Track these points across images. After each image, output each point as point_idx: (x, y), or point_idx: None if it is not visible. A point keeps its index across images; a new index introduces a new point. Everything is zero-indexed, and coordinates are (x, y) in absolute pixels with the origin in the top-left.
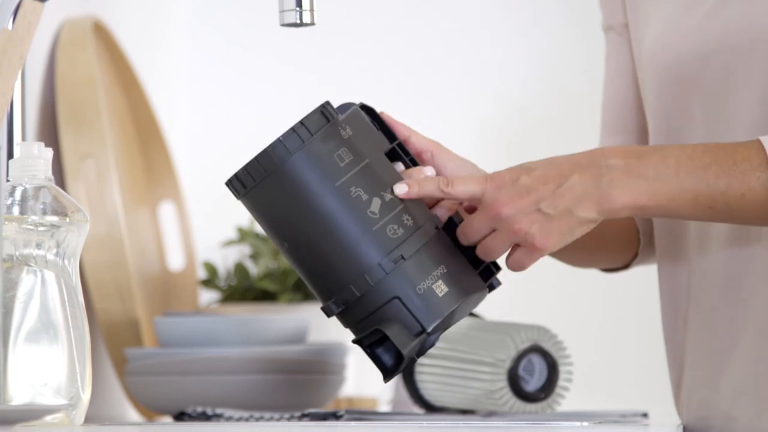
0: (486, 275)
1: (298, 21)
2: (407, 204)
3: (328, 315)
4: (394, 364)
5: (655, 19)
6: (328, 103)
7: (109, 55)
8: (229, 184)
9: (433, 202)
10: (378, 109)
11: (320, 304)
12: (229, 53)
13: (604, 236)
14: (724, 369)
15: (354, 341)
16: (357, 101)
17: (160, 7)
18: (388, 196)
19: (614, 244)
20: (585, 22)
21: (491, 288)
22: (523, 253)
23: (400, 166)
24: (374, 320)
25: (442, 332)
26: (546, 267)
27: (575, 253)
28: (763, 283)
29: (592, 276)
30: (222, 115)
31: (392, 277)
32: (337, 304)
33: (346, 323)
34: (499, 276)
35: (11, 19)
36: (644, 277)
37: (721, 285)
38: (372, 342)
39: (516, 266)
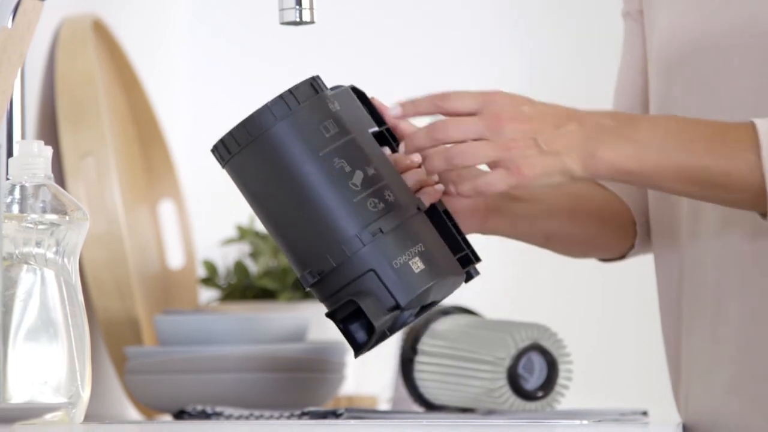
0: (464, 263)
1: (298, 19)
2: (391, 181)
3: (304, 286)
4: (366, 339)
5: (667, 10)
6: (318, 76)
7: (108, 53)
8: (215, 150)
9: (417, 187)
10: (369, 95)
11: (322, 310)
12: (228, 52)
13: (601, 225)
14: (715, 366)
15: (327, 315)
16: (347, 84)
17: (159, 6)
18: (371, 171)
19: (611, 233)
20: (579, 18)
21: (469, 277)
22: (501, 175)
23: (386, 151)
24: (349, 292)
25: (416, 311)
26: (546, 265)
27: (572, 243)
28: (748, 280)
29: (592, 274)
30: (222, 113)
31: (369, 249)
32: (312, 274)
33: (321, 295)
34: (497, 274)
35: (11, 18)
36: (643, 275)
37: (710, 280)
38: (345, 317)
39: (486, 186)
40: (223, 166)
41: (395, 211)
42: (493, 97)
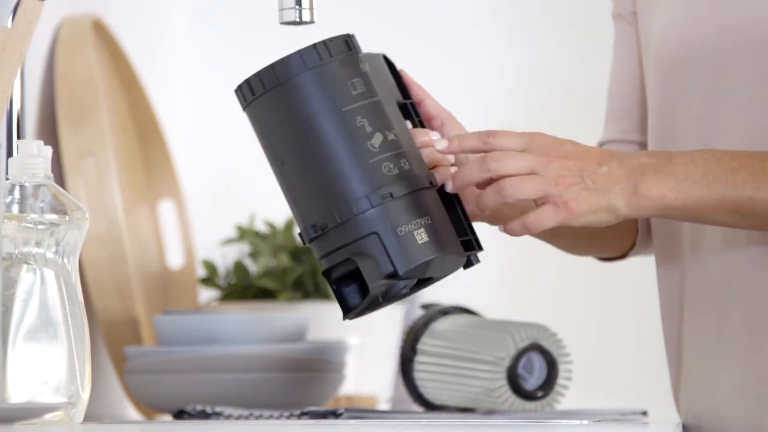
0: (467, 248)
1: (298, 19)
2: (408, 151)
3: (304, 240)
4: (358, 302)
5: (663, 9)
6: (352, 35)
7: (108, 53)
8: (238, 90)
9: (432, 165)
10: (398, 67)
11: (322, 309)
12: (228, 51)
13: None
14: (719, 368)
15: (323, 272)
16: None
17: (159, 5)
18: (390, 136)
19: (612, 233)
20: (579, 18)
21: (468, 263)
22: (550, 210)
23: (408, 125)
24: (349, 251)
25: (412, 284)
26: (545, 265)
27: (574, 241)
28: (754, 284)
29: (592, 274)
30: (222, 113)
31: (376, 211)
32: (315, 228)
33: (320, 250)
34: (497, 274)
35: (11, 17)
36: (643, 275)
37: (714, 284)
38: (339, 277)
39: (535, 222)
40: (244, 109)
41: (408, 180)
42: (538, 137)
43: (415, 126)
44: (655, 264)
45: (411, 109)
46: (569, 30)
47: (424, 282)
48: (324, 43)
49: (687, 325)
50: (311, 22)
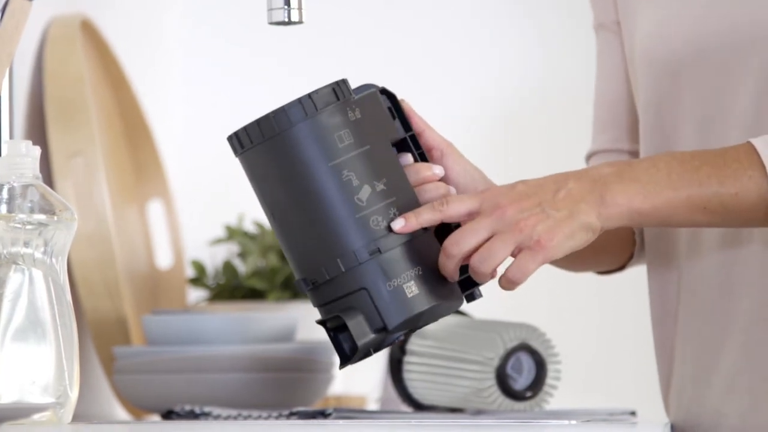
0: (468, 285)
1: (286, 19)
2: (400, 199)
3: (299, 290)
4: (351, 354)
5: (650, 12)
6: (344, 81)
7: (97, 52)
8: (230, 139)
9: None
10: (399, 97)
11: (311, 310)
12: (219, 51)
13: (602, 241)
14: (714, 366)
15: (318, 322)
16: (379, 85)
17: (149, 5)
18: (380, 187)
19: (612, 247)
20: (580, 19)
21: (472, 298)
22: (527, 256)
23: (408, 158)
24: (339, 306)
25: (406, 332)
26: None
27: (574, 260)
28: (752, 283)
29: (581, 275)
30: (211, 113)
31: (364, 267)
32: (306, 282)
33: (314, 301)
34: (484, 286)
35: None
36: (633, 275)
37: (712, 285)
38: (336, 326)
39: (518, 273)
40: (236, 156)
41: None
42: (487, 193)
43: (415, 159)
44: (647, 267)
45: (410, 143)
46: (566, 30)
47: (417, 327)
48: (309, 96)
49: (681, 323)
50: (300, 22)
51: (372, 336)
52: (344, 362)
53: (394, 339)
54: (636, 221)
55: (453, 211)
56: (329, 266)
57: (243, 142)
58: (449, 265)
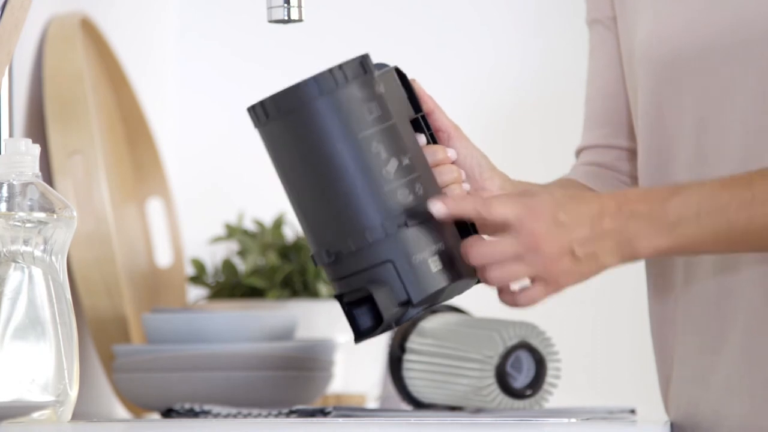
0: None
1: (286, 17)
2: (423, 175)
3: (317, 263)
4: (371, 327)
5: (650, 11)
6: (367, 55)
7: (97, 51)
8: (251, 110)
9: (447, 184)
10: (410, 77)
11: (310, 308)
12: (217, 50)
13: None
14: (714, 367)
15: (335, 296)
16: (392, 64)
17: (148, 4)
18: (405, 161)
19: None
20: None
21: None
22: (539, 291)
23: (421, 138)
24: (363, 279)
25: (425, 308)
26: None
27: None
28: (753, 283)
29: None
30: (210, 111)
31: (391, 240)
32: (329, 253)
33: (333, 275)
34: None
35: None
36: (632, 274)
37: (711, 284)
38: (351, 301)
39: (526, 301)
40: (257, 127)
41: (423, 206)
42: (527, 211)
43: (427, 140)
44: (645, 265)
45: (423, 123)
46: (564, 26)
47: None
48: (340, 66)
49: (681, 324)
50: (300, 20)
51: (395, 309)
52: (361, 337)
53: (411, 315)
54: (656, 257)
55: (494, 216)
56: (355, 238)
57: (269, 111)
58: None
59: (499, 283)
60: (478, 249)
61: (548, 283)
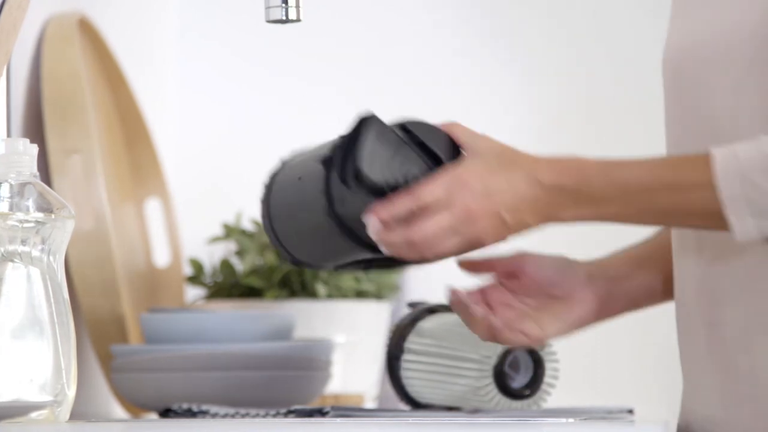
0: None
1: (284, 17)
2: None
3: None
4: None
5: (672, 21)
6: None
7: (95, 51)
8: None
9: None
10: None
11: (308, 308)
12: (216, 51)
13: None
14: (709, 371)
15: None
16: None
17: (146, 3)
18: None
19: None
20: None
21: (370, 267)
22: (460, 245)
23: None
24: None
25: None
26: None
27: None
28: (745, 286)
29: None
30: (209, 112)
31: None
32: None
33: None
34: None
35: None
36: None
37: (706, 286)
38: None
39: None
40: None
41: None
42: (455, 187)
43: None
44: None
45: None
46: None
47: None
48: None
49: (680, 324)
50: (298, 20)
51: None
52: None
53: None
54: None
55: (425, 199)
56: None
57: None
58: (393, 238)
59: (435, 258)
60: (426, 244)
61: (472, 243)
